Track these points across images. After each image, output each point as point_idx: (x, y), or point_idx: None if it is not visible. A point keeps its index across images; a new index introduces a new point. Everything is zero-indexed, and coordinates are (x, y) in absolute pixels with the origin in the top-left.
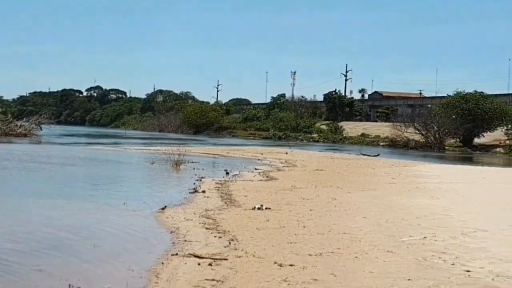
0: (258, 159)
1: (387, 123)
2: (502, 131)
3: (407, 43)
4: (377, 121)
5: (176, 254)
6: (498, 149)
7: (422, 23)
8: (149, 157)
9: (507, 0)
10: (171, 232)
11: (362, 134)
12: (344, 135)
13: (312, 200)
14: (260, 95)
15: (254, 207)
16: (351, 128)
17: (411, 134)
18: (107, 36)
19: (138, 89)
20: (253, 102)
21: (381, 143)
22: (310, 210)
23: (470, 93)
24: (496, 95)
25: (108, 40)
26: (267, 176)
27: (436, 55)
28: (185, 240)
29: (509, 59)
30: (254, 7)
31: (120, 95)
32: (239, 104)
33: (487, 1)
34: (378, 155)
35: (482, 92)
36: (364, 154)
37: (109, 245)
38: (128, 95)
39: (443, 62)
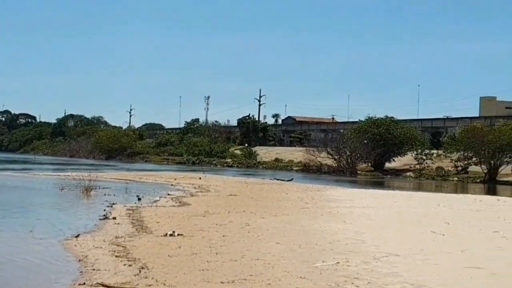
0: (171, 185)
1: (300, 148)
2: (412, 155)
3: (319, 69)
4: (295, 146)
5: (84, 283)
6: (408, 173)
7: (334, 49)
8: (59, 183)
9: (417, 25)
10: (79, 260)
11: (276, 159)
12: (258, 160)
13: (225, 226)
14: (173, 120)
15: (166, 234)
16: (265, 153)
17: (324, 158)
18: (15, 59)
19: (49, 114)
20: (166, 127)
21: (295, 168)
22: (223, 236)
23: (381, 118)
24: (406, 120)
25: (16, 63)
26: (180, 202)
27: (348, 80)
28: (94, 269)
29: (418, 85)
30: (166, 31)
31: (29, 120)
32: (152, 129)
33: (397, 27)
34: (292, 180)
35: (392, 118)
36: (277, 179)
37: (13, 276)
38: (38, 120)
39: (355, 87)
